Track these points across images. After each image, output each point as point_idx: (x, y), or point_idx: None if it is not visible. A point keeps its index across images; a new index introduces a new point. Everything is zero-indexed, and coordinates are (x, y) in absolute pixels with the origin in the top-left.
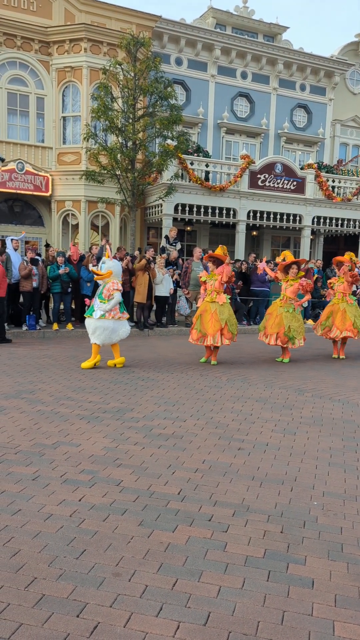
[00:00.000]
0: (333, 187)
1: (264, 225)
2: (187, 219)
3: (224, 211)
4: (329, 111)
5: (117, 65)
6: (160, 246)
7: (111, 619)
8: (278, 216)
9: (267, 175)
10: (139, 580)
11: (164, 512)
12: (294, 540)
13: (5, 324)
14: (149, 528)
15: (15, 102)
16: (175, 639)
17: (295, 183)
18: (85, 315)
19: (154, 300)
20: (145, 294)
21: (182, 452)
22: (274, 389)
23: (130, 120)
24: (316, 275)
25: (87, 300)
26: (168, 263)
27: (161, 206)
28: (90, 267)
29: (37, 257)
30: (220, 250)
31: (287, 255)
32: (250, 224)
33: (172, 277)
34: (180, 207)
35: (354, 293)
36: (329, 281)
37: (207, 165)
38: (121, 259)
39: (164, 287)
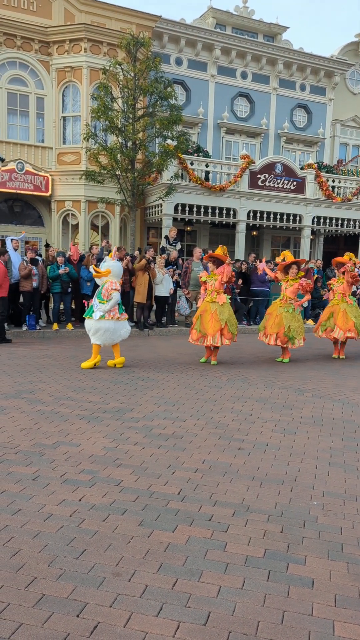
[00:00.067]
0: (333, 187)
1: (264, 225)
2: (187, 219)
3: (224, 211)
4: (329, 111)
5: (117, 65)
6: (160, 246)
7: (111, 618)
8: (278, 216)
9: (267, 175)
10: (139, 580)
11: (164, 512)
12: (294, 540)
13: (5, 324)
14: (149, 528)
15: (15, 102)
16: (175, 638)
17: (295, 183)
18: (84, 317)
19: (154, 300)
20: (145, 294)
21: (182, 452)
22: (274, 389)
23: (130, 120)
24: (316, 275)
25: (85, 302)
26: (168, 263)
27: (161, 206)
28: (91, 267)
29: (37, 257)
30: (220, 251)
31: (287, 256)
32: (250, 224)
33: (172, 277)
34: (180, 207)
35: (353, 294)
36: (328, 282)
37: (207, 165)
38: (121, 259)
39: (164, 287)
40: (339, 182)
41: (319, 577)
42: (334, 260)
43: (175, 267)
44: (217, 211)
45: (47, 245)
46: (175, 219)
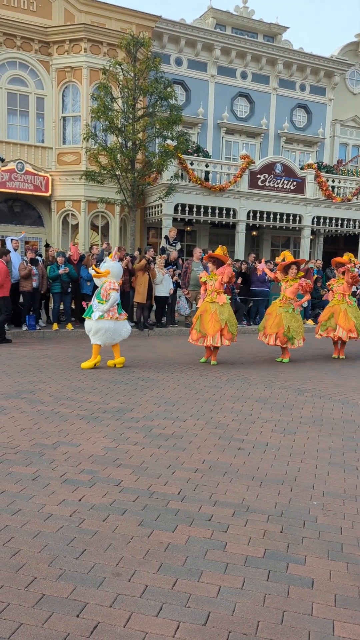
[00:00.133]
0: (333, 187)
1: (264, 226)
2: (187, 219)
3: (224, 211)
4: (328, 111)
5: (117, 66)
6: (160, 246)
7: (111, 618)
8: (278, 216)
9: (267, 176)
10: (139, 580)
11: (163, 512)
12: (293, 540)
13: (5, 324)
14: (149, 528)
15: (15, 102)
16: (175, 638)
17: (295, 183)
18: (84, 317)
19: (154, 301)
20: (145, 294)
21: (182, 452)
22: (274, 389)
23: (130, 121)
24: (316, 276)
25: (84, 303)
26: (168, 263)
27: (161, 206)
28: (91, 268)
29: (37, 257)
30: (220, 251)
31: (287, 256)
32: (250, 224)
33: (172, 278)
34: (180, 207)
35: (353, 294)
36: (328, 282)
37: (207, 166)
38: (121, 259)
39: (163, 287)
40: (339, 182)
41: (318, 577)
42: (333, 261)
43: (175, 267)
44: (217, 211)
45: (47, 246)
46: (175, 219)
